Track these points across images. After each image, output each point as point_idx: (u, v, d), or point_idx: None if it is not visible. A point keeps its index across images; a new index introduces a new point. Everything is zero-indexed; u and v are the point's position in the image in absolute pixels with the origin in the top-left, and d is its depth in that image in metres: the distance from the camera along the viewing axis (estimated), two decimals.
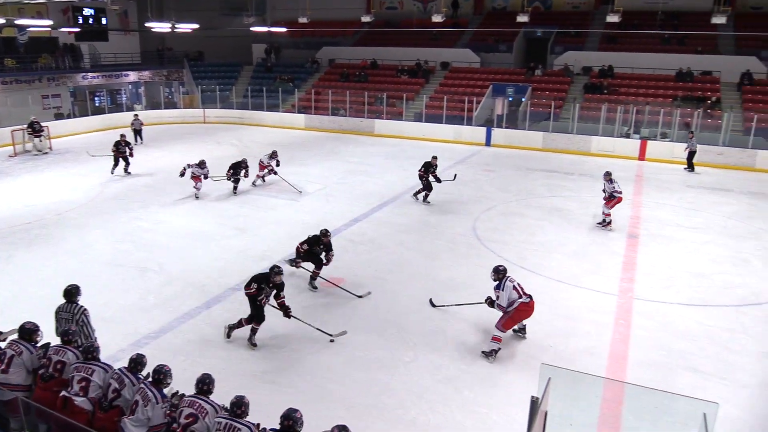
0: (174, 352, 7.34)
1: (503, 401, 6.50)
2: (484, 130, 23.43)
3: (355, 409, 6.34)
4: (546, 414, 4.62)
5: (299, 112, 27.50)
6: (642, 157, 20.62)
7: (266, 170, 15.63)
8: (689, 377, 7.15)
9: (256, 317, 7.59)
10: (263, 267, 9.97)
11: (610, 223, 12.59)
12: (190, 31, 25.65)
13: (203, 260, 10.44)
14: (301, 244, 9.40)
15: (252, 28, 28.20)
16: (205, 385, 4.90)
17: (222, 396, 4.95)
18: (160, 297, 8.95)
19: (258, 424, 4.65)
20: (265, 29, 29.15)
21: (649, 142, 20.86)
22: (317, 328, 7.84)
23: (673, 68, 24.79)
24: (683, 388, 6.76)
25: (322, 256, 9.38)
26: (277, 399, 6.05)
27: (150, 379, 4.98)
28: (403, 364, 7.25)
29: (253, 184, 15.67)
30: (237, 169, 14.83)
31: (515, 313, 7.41)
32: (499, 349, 7.37)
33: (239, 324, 7.70)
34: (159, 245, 11.14)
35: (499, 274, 7.53)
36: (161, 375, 4.96)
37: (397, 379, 6.95)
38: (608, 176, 12.62)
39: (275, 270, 7.57)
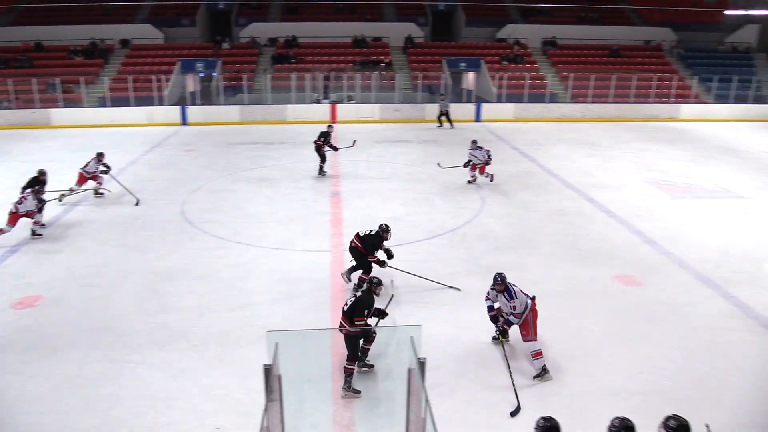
0: None
1: (240, 378, 6.52)
2: (178, 109, 22.46)
3: None
4: (280, 377, 4.78)
5: None
6: (334, 119, 22.14)
7: (92, 180, 12.72)
8: (400, 309, 8.06)
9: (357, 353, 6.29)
10: None
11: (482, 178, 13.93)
12: None
13: None
14: (360, 239, 8.39)
15: None
16: None
17: None
18: None
19: None
20: None
21: (338, 106, 22.49)
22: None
23: (349, 36, 26.90)
24: (399, 318, 7.64)
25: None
26: None
27: None
28: (130, 369, 6.73)
29: (70, 190, 12.66)
30: (37, 185, 11.21)
31: (532, 315, 6.65)
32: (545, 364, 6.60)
33: (351, 375, 6.25)
34: None
35: (504, 283, 6.59)
36: None
37: (126, 386, 6.44)
38: (476, 144, 13.79)
39: (375, 281, 6.54)
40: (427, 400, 3.87)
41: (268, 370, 4.40)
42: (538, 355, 6.57)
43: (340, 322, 6.49)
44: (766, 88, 26.05)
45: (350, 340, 6.28)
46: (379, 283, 6.61)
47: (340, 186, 13.78)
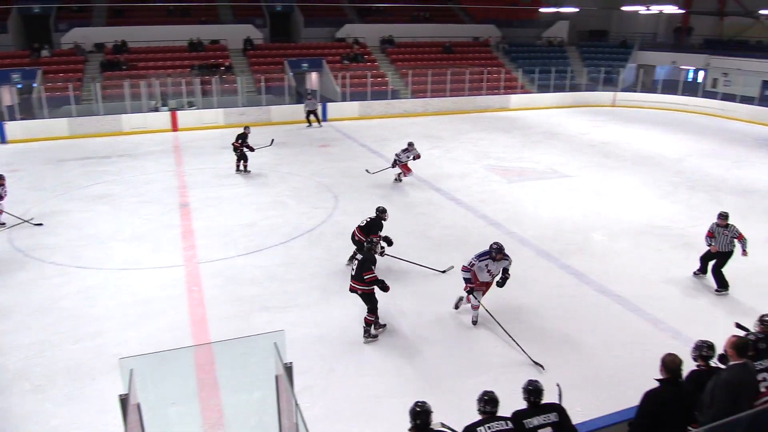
0: None
1: (95, 413, 6.04)
2: None
3: None
4: (139, 406, 4.51)
5: None
6: (175, 128, 21.12)
7: None
8: (264, 316, 7.97)
9: (376, 304, 7.38)
10: None
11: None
12: None
13: None
14: (361, 230, 9.03)
15: None
16: None
17: None
18: None
19: None
20: None
21: (179, 113, 21.46)
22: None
23: (184, 39, 25.74)
24: (261, 327, 7.50)
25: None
26: None
27: None
28: None
29: None
30: None
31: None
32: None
33: (371, 325, 7.41)
34: None
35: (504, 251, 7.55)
36: None
37: None
38: (412, 145, 14.02)
39: (373, 240, 7.67)
40: (296, 405, 3.87)
41: (124, 401, 4.14)
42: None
43: (351, 285, 7.38)
44: (579, 77, 29.02)
45: (366, 297, 7.30)
46: (378, 242, 7.83)
47: (189, 196, 13.19)
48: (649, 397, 4.35)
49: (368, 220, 9.25)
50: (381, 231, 9.12)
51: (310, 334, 7.49)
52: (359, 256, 7.41)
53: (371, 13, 30.33)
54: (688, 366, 4.67)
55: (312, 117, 21.99)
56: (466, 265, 7.50)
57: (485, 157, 17.12)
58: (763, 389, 4.67)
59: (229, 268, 9.44)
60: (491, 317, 7.56)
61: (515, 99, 27.01)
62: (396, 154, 14.17)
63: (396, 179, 14.31)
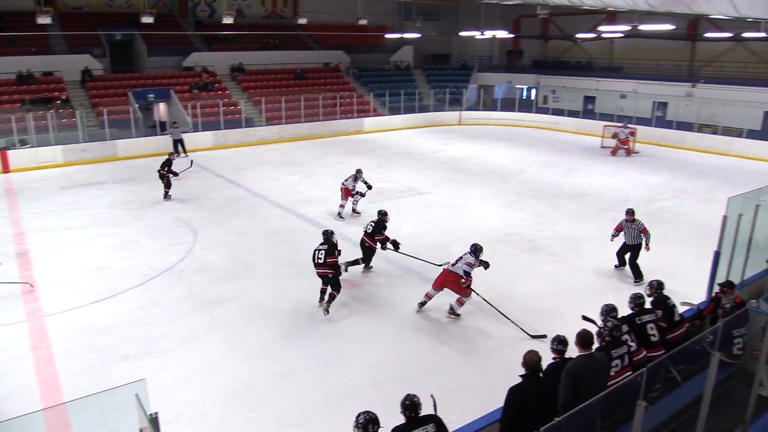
0: None
1: None
2: None
3: None
4: None
5: None
6: (6, 169, 19.12)
7: None
8: (124, 366, 7.42)
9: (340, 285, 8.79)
10: None
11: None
12: None
13: None
14: (369, 236, 10.08)
15: None
16: None
17: None
18: None
19: None
20: None
21: (10, 152, 19.46)
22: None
23: (12, 72, 23.48)
24: (121, 378, 6.96)
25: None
26: None
27: None
28: None
29: None
30: None
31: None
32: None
33: (333, 298, 8.74)
34: None
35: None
36: None
37: None
38: (360, 173, 13.75)
39: (327, 233, 8.90)
40: None
41: None
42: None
43: (318, 272, 8.74)
44: (427, 99, 30.58)
45: (333, 280, 8.65)
46: (332, 233, 9.01)
47: (27, 243, 11.96)
48: (513, 392, 4.66)
49: (372, 224, 10.14)
50: (385, 231, 10.14)
51: (176, 379, 7.10)
52: (322, 246, 8.70)
53: (218, 41, 29.76)
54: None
55: (180, 147, 21.05)
56: (471, 262, 8.48)
57: (343, 180, 17.35)
58: (613, 373, 5.19)
59: (79, 318, 8.68)
60: (489, 304, 8.58)
61: (369, 122, 27.78)
62: (346, 184, 13.63)
63: (338, 215, 13.71)
